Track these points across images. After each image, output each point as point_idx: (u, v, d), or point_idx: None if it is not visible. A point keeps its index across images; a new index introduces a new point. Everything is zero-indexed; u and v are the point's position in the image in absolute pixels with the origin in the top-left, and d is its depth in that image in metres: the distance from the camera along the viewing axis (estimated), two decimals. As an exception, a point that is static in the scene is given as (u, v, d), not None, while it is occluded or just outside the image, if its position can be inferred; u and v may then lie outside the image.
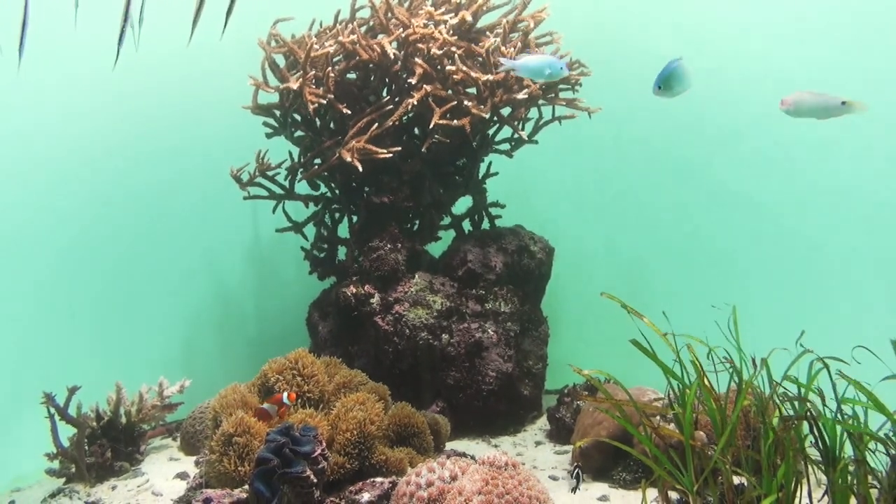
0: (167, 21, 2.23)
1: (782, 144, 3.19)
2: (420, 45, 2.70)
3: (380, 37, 2.80)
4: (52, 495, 2.28)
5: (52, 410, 2.40)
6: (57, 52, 2.77)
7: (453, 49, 2.67)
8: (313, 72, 2.74)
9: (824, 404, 1.65)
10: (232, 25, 3.29)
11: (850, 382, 1.55)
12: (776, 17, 3.16)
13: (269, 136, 3.05)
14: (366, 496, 1.82)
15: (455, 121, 2.67)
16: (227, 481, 1.88)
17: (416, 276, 2.86)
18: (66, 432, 2.46)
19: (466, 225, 3.22)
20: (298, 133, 3.01)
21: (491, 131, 3.04)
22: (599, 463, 2.26)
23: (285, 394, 2.06)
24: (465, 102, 2.67)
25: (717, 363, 1.78)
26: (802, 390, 1.64)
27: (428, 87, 2.68)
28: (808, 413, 1.59)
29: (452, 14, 2.76)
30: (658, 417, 2.01)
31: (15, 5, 1.79)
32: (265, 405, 2.05)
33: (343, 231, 3.16)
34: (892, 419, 1.50)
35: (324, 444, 1.76)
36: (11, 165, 2.99)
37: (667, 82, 2.04)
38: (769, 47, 3.16)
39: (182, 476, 2.42)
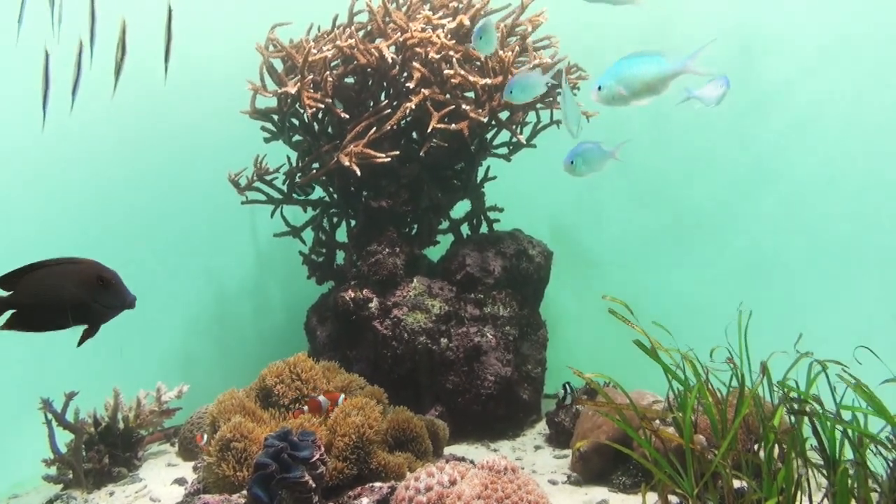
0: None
1: (784, 146, 3.19)
2: (418, 49, 2.70)
3: (378, 41, 2.80)
4: (50, 502, 2.27)
5: (50, 416, 2.38)
6: (57, 59, 2.76)
7: (451, 53, 2.67)
8: (311, 76, 2.74)
9: (823, 408, 1.64)
10: (231, 29, 3.29)
11: (848, 385, 1.55)
12: (778, 18, 3.16)
13: (267, 140, 3.05)
14: (365, 501, 1.82)
15: (453, 125, 2.67)
16: (225, 486, 1.87)
17: (415, 280, 2.85)
18: (64, 438, 2.44)
19: (465, 229, 3.22)
20: (296, 137, 3.00)
21: (489, 135, 3.04)
22: (599, 467, 2.25)
23: (342, 396, 2.09)
24: (464, 106, 2.67)
25: (719, 365, 1.77)
26: (802, 393, 1.64)
27: (426, 91, 2.68)
28: (808, 416, 1.58)
29: (450, 18, 2.77)
30: (657, 421, 2.01)
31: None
32: (320, 397, 2.07)
33: (341, 235, 3.15)
34: (892, 423, 1.49)
35: (322, 448, 1.76)
36: (12, 175, 2.98)
37: (582, 159, 2.09)
38: (765, 46, 3.17)
39: (180, 481, 2.41)
